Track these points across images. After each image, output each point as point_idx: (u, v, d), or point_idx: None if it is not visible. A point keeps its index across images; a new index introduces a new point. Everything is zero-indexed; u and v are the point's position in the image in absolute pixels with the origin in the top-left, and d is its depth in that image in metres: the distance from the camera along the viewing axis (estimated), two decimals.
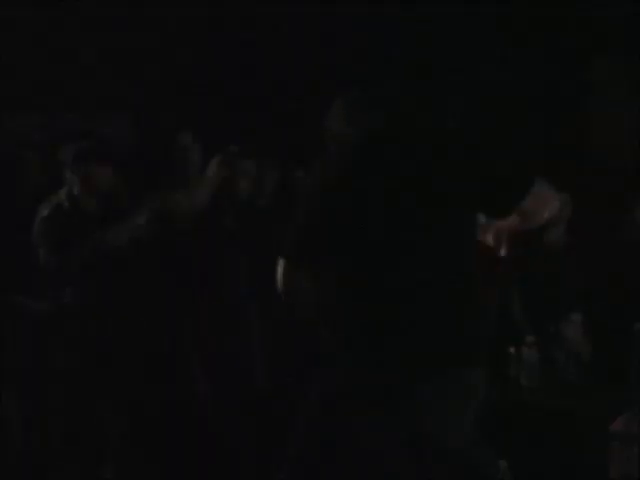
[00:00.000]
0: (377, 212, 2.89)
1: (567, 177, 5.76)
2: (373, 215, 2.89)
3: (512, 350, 4.66)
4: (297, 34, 6.44)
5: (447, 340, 2.97)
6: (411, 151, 2.92)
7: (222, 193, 4.22)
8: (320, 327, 3.07)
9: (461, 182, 2.90)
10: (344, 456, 3.14)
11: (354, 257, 2.92)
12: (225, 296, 4.23)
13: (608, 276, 5.22)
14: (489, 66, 5.99)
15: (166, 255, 4.18)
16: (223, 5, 6.33)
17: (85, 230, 4.22)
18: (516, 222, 3.17)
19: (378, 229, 2.89)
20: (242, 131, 5.04)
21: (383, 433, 2.97)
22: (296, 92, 6.32)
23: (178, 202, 4.36)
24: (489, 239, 3.47)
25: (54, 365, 4.14)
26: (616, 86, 6.30)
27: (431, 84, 5.87)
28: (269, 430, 4.34)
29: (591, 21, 6.04)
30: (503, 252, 3.44)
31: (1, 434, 4.30)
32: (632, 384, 4.71)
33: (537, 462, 4.21)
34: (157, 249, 4.17)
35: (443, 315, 2.96)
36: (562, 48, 6.14)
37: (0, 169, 4.87)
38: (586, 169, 6.07)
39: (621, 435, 4.17)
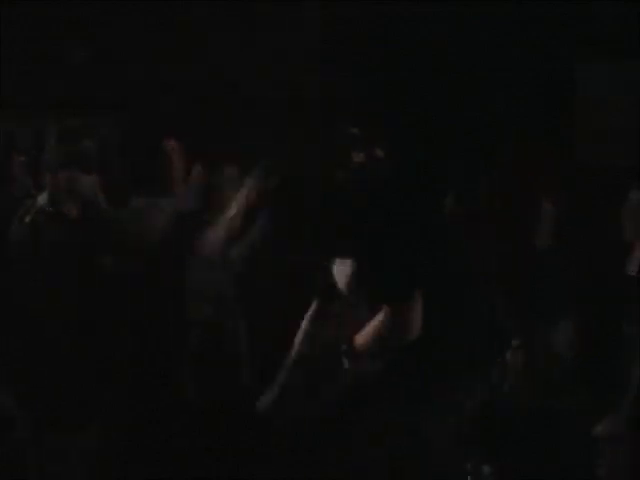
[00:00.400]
0: None
1: (554, 178, 5.83)
2: None
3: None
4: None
5: None
6: None
7: (203, 200, 4.22)
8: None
9: None
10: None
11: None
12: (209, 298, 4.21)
13: (596, 277, 5.21)
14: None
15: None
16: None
17: (67, 235, 4.19)
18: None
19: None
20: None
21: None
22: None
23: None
24: None
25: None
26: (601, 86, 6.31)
27: None
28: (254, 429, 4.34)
29: (577, 22, 6.05)
30: None
31: None
32: (617, 386, 4.72)
33: (523, 466, 4.20)
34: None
35: None
36: (548, 49, 6.15)
37: None
38: (572, 169, 6.08)
39: (608, 437, 4.17)
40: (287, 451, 3.65)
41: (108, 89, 6.41)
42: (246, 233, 4.46)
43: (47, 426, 3.97)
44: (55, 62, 6.49)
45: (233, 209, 3.68)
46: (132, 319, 4.11)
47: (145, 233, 4.30)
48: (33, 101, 6.26)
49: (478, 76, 5.91)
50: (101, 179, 4.67)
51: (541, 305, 5.15)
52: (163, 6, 6.50)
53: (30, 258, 4.24)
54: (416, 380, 2.97)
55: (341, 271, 3.00)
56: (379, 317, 2.87)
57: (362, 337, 2.93)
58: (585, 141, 6.34)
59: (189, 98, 6.35)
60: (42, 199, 4.38)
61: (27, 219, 4.28)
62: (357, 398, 3.06)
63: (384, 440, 3.02)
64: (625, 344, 5.05)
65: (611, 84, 6.29)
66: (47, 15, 6.37)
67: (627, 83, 6.24)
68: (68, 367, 4.11)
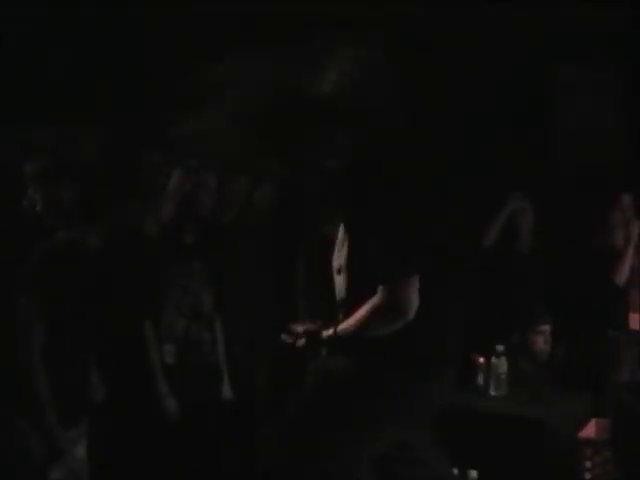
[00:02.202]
0: None
1: (535, 184, 5.85)
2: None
3: (481, 360, 4.66)
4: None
5: None
6: None
7: (183, 208, 4.18)
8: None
9: None
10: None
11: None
12: (187, 310, 4.20)
13: (578, 285, 5.23)
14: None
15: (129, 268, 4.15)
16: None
17: None
18: None
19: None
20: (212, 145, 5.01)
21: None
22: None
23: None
24: None
25: None
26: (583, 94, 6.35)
27: None
28: (236, 441, 4.34)
29: (558, 29, 6.08)
30: None
31: None
32: (601, 391, 4.75)
33: (508, 471, 4.20)
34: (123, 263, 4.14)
35: None
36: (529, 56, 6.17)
37: None
38: (554, 177, 6.11)
39: (592, 441, 4.19)
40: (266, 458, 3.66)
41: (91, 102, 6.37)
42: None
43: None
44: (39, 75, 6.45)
45: None
46: (106, 333, 4.09)
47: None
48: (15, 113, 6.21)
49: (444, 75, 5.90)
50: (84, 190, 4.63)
51: (523, 311, 5.15)
52: None
53: None
54: (387, 377, 2.95)
55: (340, 256, 3.02)
56: (372, 301, 2.84)
57: (348, 323, 2.91)
58: (557, 143, 6.37)
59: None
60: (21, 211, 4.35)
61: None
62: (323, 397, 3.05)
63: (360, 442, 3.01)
64: (608, 349, 5.09)
65: (582, 86, 6.33)
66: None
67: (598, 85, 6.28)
68: None
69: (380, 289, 2.82)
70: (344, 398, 2.96)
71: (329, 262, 3.13)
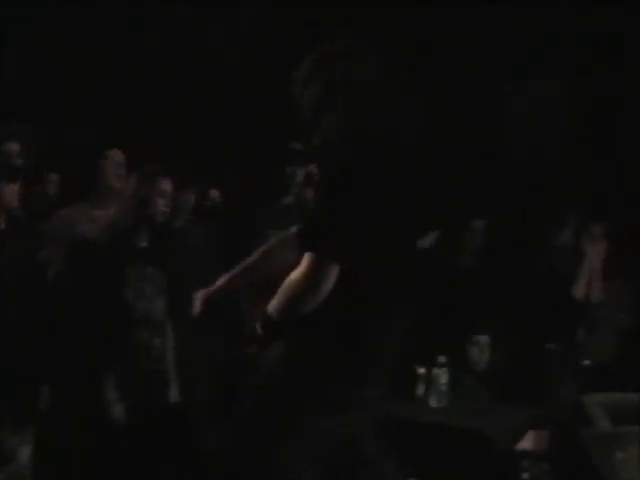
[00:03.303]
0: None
1: (483, 198, 5.92)
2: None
3: (421, 370, 4.68)
4: None
5: None
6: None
7: (138, 213, 4.15)
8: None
9: None
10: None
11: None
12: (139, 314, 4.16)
13: (519, 300, 5.28)
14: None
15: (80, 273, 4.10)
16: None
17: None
18: None
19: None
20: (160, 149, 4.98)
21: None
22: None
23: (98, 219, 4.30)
24: None
25: None
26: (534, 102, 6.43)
27: None
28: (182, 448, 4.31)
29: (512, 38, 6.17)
30: None
31: None
32: (539, 403, 4.79)
33: None
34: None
35: None
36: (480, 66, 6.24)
37: None
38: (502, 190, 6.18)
39: (530, 453, 4.22)
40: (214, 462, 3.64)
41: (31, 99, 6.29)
42: None
43: None
44: None
45: None
46: (58, 336, 4.03)
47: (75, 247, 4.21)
48: None
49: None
50: (21, 189, 4.56)
51: (462, 322, 5.19)
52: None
53: None
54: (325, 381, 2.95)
55: None
56: (292, 276, 2.83)
57: (275, 299, 2.88)
58: (512, 156, 6.45)
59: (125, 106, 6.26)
60: None
61: None
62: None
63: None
64: (548, 362, 5.14)
65: (537, 101, 6.41)
66: None
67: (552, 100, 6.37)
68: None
69: (305, 257, 2.82)
70: (283, 401, 2.96)
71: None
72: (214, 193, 5.79)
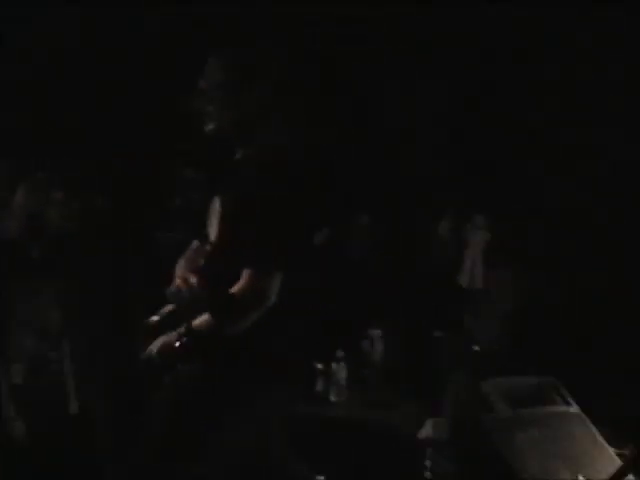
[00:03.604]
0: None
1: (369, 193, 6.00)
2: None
3: (320, 366, 4.72)
4: None
5: None
6: None
7: (30, 223, 4.06)
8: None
9: None
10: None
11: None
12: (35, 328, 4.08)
13: (406, 291, 5.39)
14: None
15: None
16: None
17: None
18: None
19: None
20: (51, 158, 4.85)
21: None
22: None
23: None
24: None
25: None
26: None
27: None
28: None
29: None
30: None
31: None
32: (436, 390, 4.90)
33: (353, 474, 4.27)
34: None
35: None
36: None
37: None
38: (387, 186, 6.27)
39: (430, 441, 4.30)
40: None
41: None
42: None
43: None
44: None
45: None
46: None
47: None
48: None
49: None
50: None
51: (358, 315, 5.26)
52: None
53: None
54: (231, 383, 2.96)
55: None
56: (237, 292, 2.84)
57: (209, 316, 2.88)
58: (391, 155, 6.55)
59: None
60: None
61: None
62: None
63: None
64: (438, 350, 5.25)
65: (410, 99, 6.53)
66: None
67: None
68: None
69: (245, 273, 2.83)
70: (194, 404, 2.96)
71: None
72: (99, 198, 5.66)
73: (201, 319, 2.89)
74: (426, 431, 4.36)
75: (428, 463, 4.31)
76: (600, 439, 3.74)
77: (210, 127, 3.05)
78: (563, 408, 3.90)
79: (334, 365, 4.62)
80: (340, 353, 4.63)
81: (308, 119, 3.31)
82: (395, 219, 5.90)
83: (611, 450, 3.74)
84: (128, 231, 5.13)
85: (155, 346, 2.97)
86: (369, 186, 6.15)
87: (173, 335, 2.94)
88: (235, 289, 2.84)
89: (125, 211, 5.32)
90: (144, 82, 6.28)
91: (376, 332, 5.14)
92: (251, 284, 2.82)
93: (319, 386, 4.70)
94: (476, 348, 5.45)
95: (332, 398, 4.62)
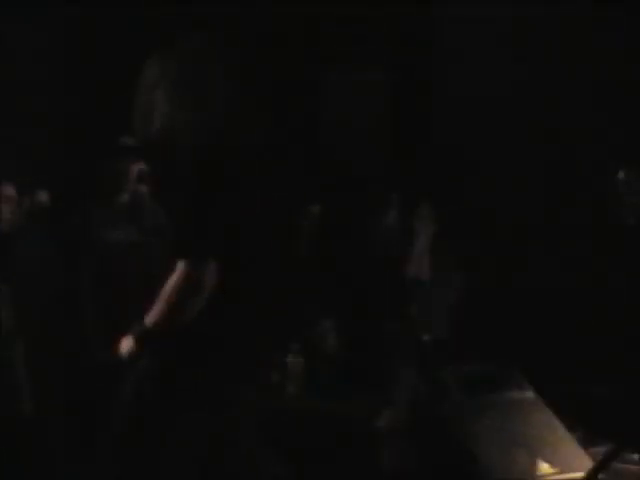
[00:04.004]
0: None
1: (311, 185, 6.00)
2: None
3: (275, 358, 4.72)
4: None
5: None
6: None
7: None
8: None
9: None
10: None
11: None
12: None
13: (356, 280, 5.40)
14: None
15: None
16: None
17: None
18: None
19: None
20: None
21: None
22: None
23: None
24: None
25: None
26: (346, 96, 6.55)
27: None
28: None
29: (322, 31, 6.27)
30: None
31: None
32: (389, 380, 4.94)
33: (310, 467, 4.28)
34: None
35: None
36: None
37: None
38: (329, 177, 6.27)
39: (388, 430, 4.34)
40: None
41: None
42: None
43: None
44: None
45: None
46: None
47: None
48: None
49: None
50: None
51: (307, 309, 5.27)
52: None
53: None
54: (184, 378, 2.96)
55: None
56: (171, 284, 2.84)
57: (155, 311, 2.88)
58: (330, 149, 6.55)
59: None
60: None
61: None
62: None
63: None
64: (388, 341, 5.29)
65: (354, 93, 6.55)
66: None
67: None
68: None
69: (178, 264, 2.84)
70: (155, 400, 2.94)
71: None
72: (42, 196, 5.58)
73: (151, 314, 2.89)
74: (383, 421, 4.39)
75: (386, 452, 4.35)
76: (558, 424, 3.80)
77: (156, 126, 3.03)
78: (519, 394, 3.95)
79: (289, 357, 4.63)
80: (295, 345, 4.64)
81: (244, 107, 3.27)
82: (343, 209, 5.90)
83: (568, 434, 3.81)
84: (77, 229, 5.06)
85: (122, 347, 2.95)
86: (314, 176, 6.15)
87: (130, 335, 2.94)
88: (170, 279, 2.85)
89: (72, 208, 5.25)
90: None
91: (326, 324, 5.17)
92: (183, 275, 2.83)
93: (274, 378, 4.70)
94: (426, 337, 5.51)
95: (288, 390, 4.63)
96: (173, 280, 2.85)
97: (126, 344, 2.94)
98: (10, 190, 4.04)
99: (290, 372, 4.64)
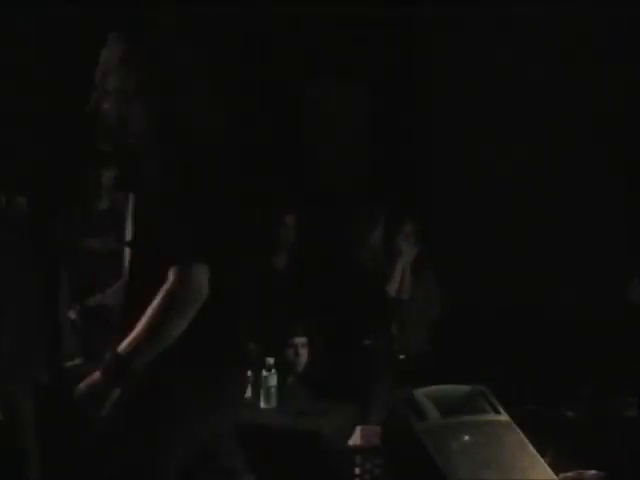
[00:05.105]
0: None
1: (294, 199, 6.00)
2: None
3: (249, 373, 4.69)
4: None
5: None
6: None
7: None
8: None
9: None
10: None
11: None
12: None
13: (336, 297, 5.39)
14: None
15: None
16: None
17: None
18: None
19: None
20: None
21: None
22: None
23: None
24: None
25: None
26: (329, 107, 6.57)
27: None
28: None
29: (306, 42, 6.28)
30: None
31: None
32: (364, 398, 4.94)
33: None
34: None
35: None
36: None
37: None
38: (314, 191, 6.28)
39: (360, 448, 4.32)
40: None
41: None
42: None
43: None
44: None
45: None
46: None
47: None
48: None
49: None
50: None
51: (281, 325, 5.25)
52: None
53: None
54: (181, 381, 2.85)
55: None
56: (162, 290, 2.65)
57: (135, 333, 2.65)
58: (314, 158, 6.57)
59: None
60: None
61: None
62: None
63: None
64: (366, 358, 5.29)
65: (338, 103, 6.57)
66: None
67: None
68: None
69: (171, 271, 2.66)
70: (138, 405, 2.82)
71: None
72: (20, 200, 5.53)
73: (128, 340, 2.67)
74: (355, 438, 4.38)
75: (358, 471, 4.33)
76: (530, 447, 3.79)
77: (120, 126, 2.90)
78: (493, 416, 3.94)
79: (264, 372, 4.60)
80: (270, 360, 4.62)
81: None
82: (324, 225, 5.89)
83: (539, 457, 3.80)
84: (53, 235, 5.03)
85: (83, 389, 2.71)
86: (294, 186, 6.16)
87: (98, 372, 2.69)
88: (163, 290, 2.66)
89: (48, 215, 5.21)
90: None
91: (301, 340, 5.15)
92: (177, 281, 2.64)
93: (248, 393, 4.67)
94: (402, 356, 5.51)
95: (262, 405, 4.61)
96: (163, 294, 2.65)
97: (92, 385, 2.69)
98: None
99: (264, 387, 4.61)
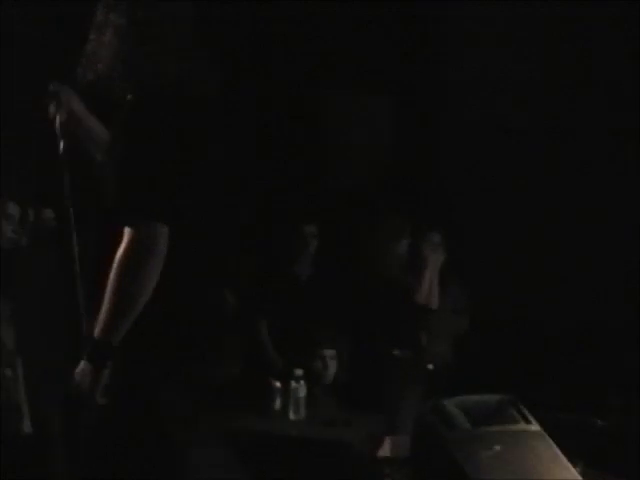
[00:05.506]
0: None
1: (318, 208, 6.00)
2: None
3: (277, 384, 4.70)
4: None
5: None
6: None
7: None
8: None
9: None
10: None
11: None
12: None
13: (364, 307, 5.37)
14: None
15: None
16: None
17: None
18: None
19: None
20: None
21: None
22: None
23: None
24: None
25: None
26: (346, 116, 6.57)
27: None
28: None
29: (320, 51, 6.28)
30: None
31: None
32: (395, 407, 4.92)
33: None
34: None
35: None
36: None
37: None
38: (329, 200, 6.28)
39: (389, 459, 4.31)
40: None
41: None
42: None
43: None
44: None
45: None
46: None
47: None
48: None
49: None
50: None
51: (310, 336, 5.24)
52: None
53: None
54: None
55: None
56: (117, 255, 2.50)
57: (103, 311, 2.54)
58: (332, 170, 6.57)
59: None
60: None
61: None
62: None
63: None
64: (395, 368, 5.27)
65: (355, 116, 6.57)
66: None
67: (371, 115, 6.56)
68: None
69: (125, 231, 2.51)
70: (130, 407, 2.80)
71: None
72: (48, 213, 5.54)
73: (99, 318, 2.56)
74: (385, 449, 4.37)
75: None
76: (561, 457, 3.75)
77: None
78: (523, 426, 3.91)
79: (293, 383, 4.60)
80: (298, 371, 4.62)
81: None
82: (352, 235, 5.88)
83: (571, 468, 3.77)
84: (83, 249, 5.04)
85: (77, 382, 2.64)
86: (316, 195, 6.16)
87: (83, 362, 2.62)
88: (117, 253, 2.51)
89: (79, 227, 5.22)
90: None
91: (330, 352, 5.15)
92: (129, 238, 2.49)
93: (277, 404, 4.68)
94: (430, 367, 5.49)
95: (291, 416, 4.61)
96: (119, 255, 2.49)
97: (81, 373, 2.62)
98: (12, 207, 4.00)
99: (292, 398, 4.60)
